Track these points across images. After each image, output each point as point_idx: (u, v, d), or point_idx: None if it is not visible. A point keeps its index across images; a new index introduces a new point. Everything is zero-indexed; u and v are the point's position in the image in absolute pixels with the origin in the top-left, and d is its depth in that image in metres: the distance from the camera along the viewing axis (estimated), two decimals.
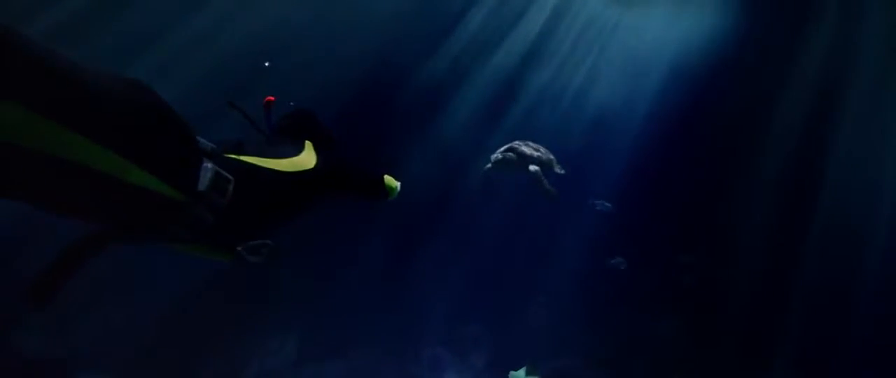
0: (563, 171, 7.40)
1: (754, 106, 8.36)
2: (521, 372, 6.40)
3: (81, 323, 6.93)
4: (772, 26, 8.11)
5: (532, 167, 6.94)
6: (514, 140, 7.31)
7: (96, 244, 1.46)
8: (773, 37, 8.15)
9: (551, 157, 7.36)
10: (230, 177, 1.57)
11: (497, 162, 7.11)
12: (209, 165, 1.52)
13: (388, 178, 2.37)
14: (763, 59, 8.24)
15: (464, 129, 8.55)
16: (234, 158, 1.66)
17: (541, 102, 9.29)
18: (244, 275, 7.39)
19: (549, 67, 9.28)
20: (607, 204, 8.38)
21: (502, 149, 7.16)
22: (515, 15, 8.82)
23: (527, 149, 7.09)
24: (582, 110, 9.34)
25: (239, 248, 1.78)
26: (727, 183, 8.60)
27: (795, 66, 8.04)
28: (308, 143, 2.10)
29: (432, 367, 7.81)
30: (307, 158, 1.97)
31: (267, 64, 3.37)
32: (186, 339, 7.03)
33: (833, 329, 7.57)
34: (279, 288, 7.60)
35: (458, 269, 8.45)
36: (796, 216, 8.07)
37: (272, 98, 2.19)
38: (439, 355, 7.97)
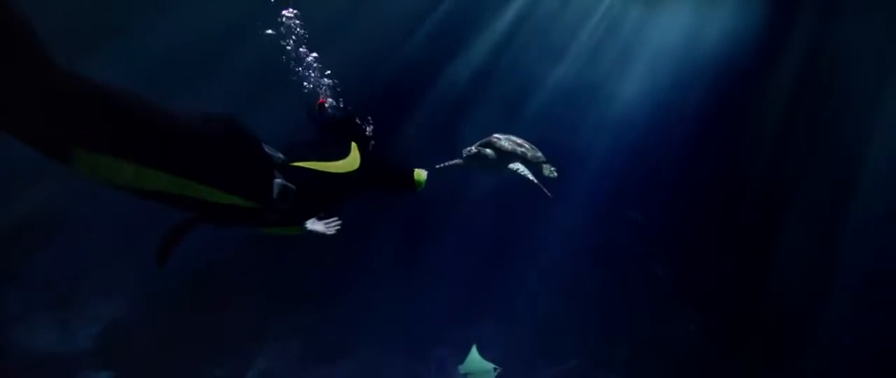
0: (555, 174, 6.32)
1: (775, 103, 8.17)
2: (475, 355, 6.07)
3: (86, 322, 6.90)
4: (795, 23, 7.93)
5: (513, 166, 5.86)
6: (521, 137, 6.33)
7: (192, 225, 1.91)
8: (795, 34, 7.96)
9: (539, 153, 6.32)
10: (293, 187, 1.94)
11: (470, 157, 6.05)
12: (278, 180, 1.90)
13: (417, 172, 2.67)
14: (785, 56, 8.06)
15: (480, 127, 8.39)
16: (297, 167, 2.03)
17: (559, 101, 9.11)
18: (250, 275, 7.33)
19: (570, 66, 9.12)
20: (638, 215, 8.15)
21: (479, 143, 6.11)
22: (541, 14, 8.69)
23: (506, 143, 5.96)
24: (602, 109, 9.16)
25: (307, 225, 2.26)
26: (748, 182, 8.39)
27: (818, 63, 7.85)
28: (354, 145, 2.40)
29: (439, 368, 7.71)
30: (353, 159, 2.30)
31: (314, 55, 3.44)
32: (192, 339, 6.97)
33: (861, 334, 7.34)
34: (285, 288, 7.53)
35: (466, 269, 8.35)
36: (825, 215, 7.85)
37: (324, 100, 2.60)
38: (446, 356, 7.86)
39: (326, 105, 2.64)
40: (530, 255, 8.59)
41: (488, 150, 5.96)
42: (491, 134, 6.27)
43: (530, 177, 5.81)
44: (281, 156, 2.00)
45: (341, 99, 2.78)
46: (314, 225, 2.42)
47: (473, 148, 6.04)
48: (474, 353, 6.09)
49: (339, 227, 2.41)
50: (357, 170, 2.28)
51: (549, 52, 8.98)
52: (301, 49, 3.52)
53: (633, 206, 8.34)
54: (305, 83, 3.31)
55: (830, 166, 7.93)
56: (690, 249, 8.44)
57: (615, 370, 7.70)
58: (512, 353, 7.81)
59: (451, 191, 8.12)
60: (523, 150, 6.10)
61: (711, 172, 8.48)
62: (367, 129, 2.71)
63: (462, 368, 6.54)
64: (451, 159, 6.42)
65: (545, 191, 5.80)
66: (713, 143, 8.48)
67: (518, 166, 5.88)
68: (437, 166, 6.27)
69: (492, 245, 8.52)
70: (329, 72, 3.37)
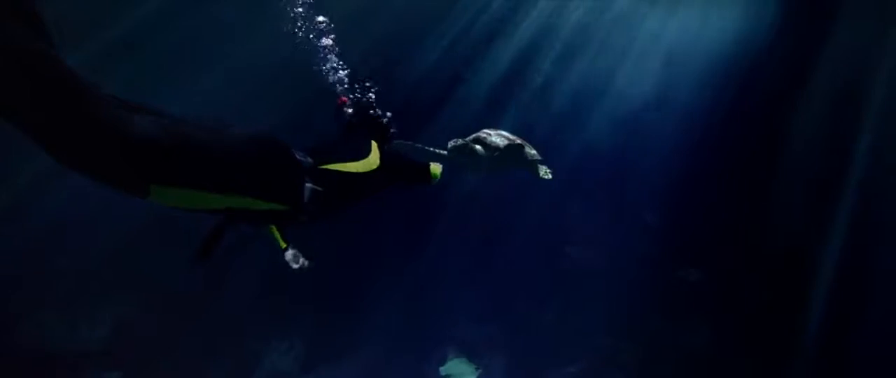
0: (549, 176, 5.80)
1: (785, 105, 8.06)
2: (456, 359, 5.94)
3: (93, 321, 6.93)
4: (804, 24, 7.84)
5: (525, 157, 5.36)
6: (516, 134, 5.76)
7: (230, 226, 2.06)
8: (805, 34, 7.87)
9: (533, 151, 5.77)
10: (321, 189, 2.12)
11: (455, 149, 5.45)
12: (309, 185, 2.09)
13: (433, 165, 2.79)
14: (794, 56, 7.95)
15: (485, 125, 8.38)
16: (325, 169, 2.20)
17: (573, 100, 9.05)
18: (256, 274, 7.33)
19: (579, 64, 9.05)
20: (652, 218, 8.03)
21: (470, 137, 5.56)
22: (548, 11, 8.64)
23: (498, 139, 5.36)
24: (612, 108, 9.10)
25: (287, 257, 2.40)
26: (762, 183, 8.26)
27: (826, 65, 7.74)
28: (373, 143, 2.52)
29: None
30: (374, 158, 2.44)
31: (332, 41, 3.47)
32: (197, 339, 6.99)
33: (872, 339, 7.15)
34: (290, 288, 7.54)
35: (473, 269, 8.31)
36: (836, 217, 7.70)
37: (345, 99, 2.75)
38: (452, 356, 7.84)
39: (347, 103, 2.80)
40: (539, 255, 8.55)
41: (478, 147, 5.36)
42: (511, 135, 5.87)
43: (536, 165, 5.47)
44: (309, 160, 2.17)
45: (372, 92, 2.93)
46: (289, 258, 2.46)
47: (460, 140, 5.42)
48: (455, 358, 6.04)
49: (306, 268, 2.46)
50: (377, 168, 2.42)
51: (562, 52, 8.92)
52: (325, 41, 3.55)
53: (648, 209, 8.23)
54: (337, 79, 3.32)
55: (836, 167, 7.81)
56: (705, 252, 8.32)
57: (623, 372, 7.64)
58: (517, 354, 7.79)
59: (458, 189, 8.09)
60: (516, 146, 5.51)
61: (726, 173, 8.36)
62: (386, 124, 2.83)
63: (443, 371, 6.51)
64: (437, 148, 5.89)
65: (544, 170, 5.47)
66: (725, 143, 8.35)
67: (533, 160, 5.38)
68: (418, 145, 5.78)
69: (499, 244, 8.48)
70: (346, 67, 3.37)
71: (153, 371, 6.70)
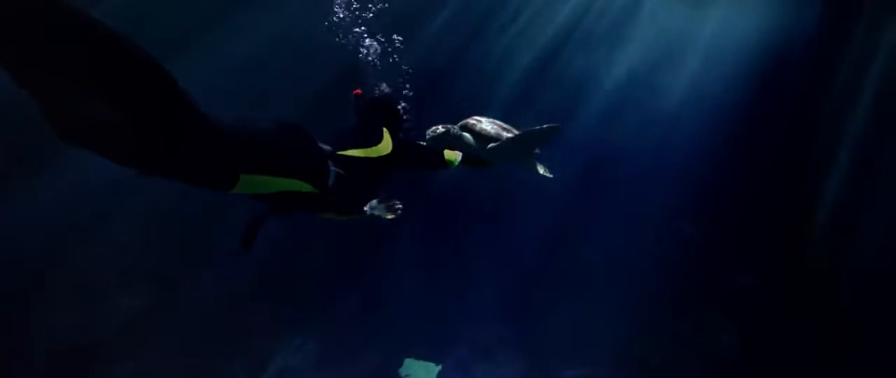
0: (549, 175, 4.49)
1: (816, 104, 7.82)
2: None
3: (106, 316, 6.93)
4: (833, 21, 7.58)
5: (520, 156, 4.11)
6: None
7: (267, 217, 2.30)
8: (835, 32, 7.61)
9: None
10: (344, 173, 2.34)
11: (436, 139, 4.20)
12: (333, 169, 2.31)
13: (448, 154, 3.00)
14: (825, 54, 7.70)
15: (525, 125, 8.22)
16: (343, 155, 2.41)
17: (605, 99, 8.89)
18: (267, 275, 7.28)
19: (604, 61, 8.88)
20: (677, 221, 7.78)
21: (458, 124, 4.11)
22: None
23: (489, 126, 4.12)
24: (639, 106, 8.91)
25: (366, 209, 2.53)
26: (792, 184, 8.02)
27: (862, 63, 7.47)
28: (385, 130, 2.72)
29: (458, 369, 7.58)
30: (386, 143, 2.64)
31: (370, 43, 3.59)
32: (208, 338, 6.96)
33: None
34: (304, 286, 7.48)
35: (486, 269, 8.20)
36: (872, 220, 7.43)
37: (359, 91, 2.93)
38: (465, 356, 7.74)
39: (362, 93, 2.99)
40: (557, 255, 8.40)
41: (466, 135, 4.79)
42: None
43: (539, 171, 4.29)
44: (329, 147, 2.38)
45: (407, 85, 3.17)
46: (374, 209, 2.65)
47: (441, 127, 4.26)
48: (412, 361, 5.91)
49: (399, 212, 2.59)
50: (391, 152, 2.64)
51: (595, 49, 8.76)
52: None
53: (672, 211, 8.02)
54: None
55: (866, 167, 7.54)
56: (732, 254, 8.08)
57: (643, 373, 7.47)
58: (533, 354, 7.66)
59: (474, 186, 7.97)
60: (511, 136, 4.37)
61: (756, 174, 8.11)
62: (402, 113, 3.04)
63: (401, 371, 6.41)
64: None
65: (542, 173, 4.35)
66: (756, 144, 8.11)
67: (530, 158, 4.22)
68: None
69: (517, 244, 8.35)
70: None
71: (166, 365, 6.68)
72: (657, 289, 7.92)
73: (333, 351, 7.53)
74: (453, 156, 2.98)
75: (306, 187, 2.15)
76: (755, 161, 8.24)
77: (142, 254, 7.05)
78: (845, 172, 7.69)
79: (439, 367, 5.78)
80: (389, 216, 2.50)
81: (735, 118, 8.24)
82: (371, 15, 3.99)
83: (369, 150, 2.54)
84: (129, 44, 1.42)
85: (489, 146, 3.92)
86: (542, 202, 8.13)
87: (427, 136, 4.63)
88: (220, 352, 7.02)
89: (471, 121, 4.38)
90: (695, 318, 7.84)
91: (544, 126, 4.10)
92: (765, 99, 8.13)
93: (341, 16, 3.91)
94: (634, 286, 7.90)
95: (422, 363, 6.01)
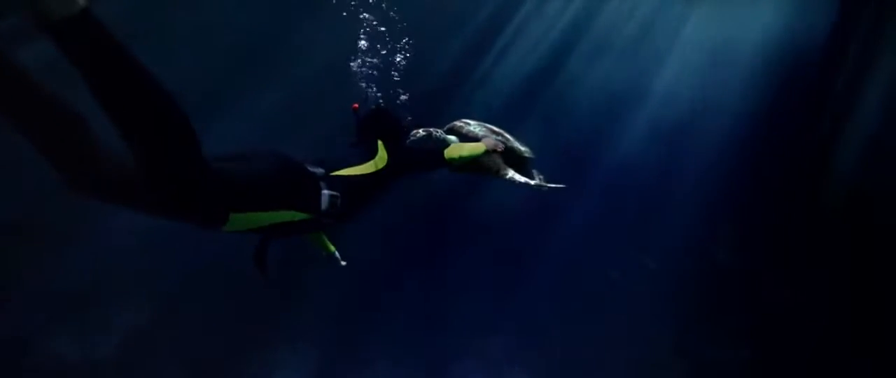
0: (544, 186, 3.98)
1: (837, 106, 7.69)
2: None
3: (107, 329, 6.84)
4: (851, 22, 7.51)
5: (504, 171, 3.66)
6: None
7: (268, 241, 2.36)
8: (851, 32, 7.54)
9: (522, 147, 4.09)
10: (338, 194, 2.33)
11: (417, 141, 3.85)
12: (326, 192, 2.30)
13: (447, 151, 2.95)
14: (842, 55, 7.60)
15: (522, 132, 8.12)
16: (336, 176, 2.40)
17: (602, 105, 8.81)
18: (267, 286, 7.19)
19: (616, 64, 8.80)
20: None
21: (445, 128, 4.00)
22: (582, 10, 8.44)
23: (478, 129, 3.87)
24: (651, 114, 8.83)
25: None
26: (811, 193, 7.84)
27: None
28: (380, 143, 2.71)
29: None
30: (382, 156, 2.63)
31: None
32: (208, 351, 6.87)
33: None
34: (304, 298, 7.39)
35: (497, 281, 8.08)
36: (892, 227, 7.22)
37: (357, 105, 2.96)
38: (469, 369, 7.61)
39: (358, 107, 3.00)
40: (567, 268, 8.26)
41: (451, 137, 3.91)
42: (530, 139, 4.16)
43: (524, 181, 3.69)
44: (321, 170, 2.38)
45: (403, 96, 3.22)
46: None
47: (422, 131, 3.87)
48: None
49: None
50: (387, 164, 2.62)
51: (592, 52, 8.71)
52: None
53: (686, 220, 7.83)
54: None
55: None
56: (750, 266, 7.87)
57: None
58: (539, 370, 7.53)
59: (476, 193, 7.89)
60: (501, 139, 3.96)
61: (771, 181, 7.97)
62: (401, 123, 3.04)
63: None
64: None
65: (549, 185, 3.89)
66: (772, 148, 7.98)
67: (509, 173, 3.67)
68: None
69: (526, 256, 8.23)
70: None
71: None
72: (677, 308, 7.75)
73: (337, 364, 7.42)
74: (454, 153, 2.94)
75: (299, 215, 2.18)
76: (768, 168, 8.09)
77: (139, 267, 6.97)
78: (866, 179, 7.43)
79: None
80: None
81: (752, 124, 8.12)
82: (403, 99, 4.02)
83: (363, 166, 2.54)
84: (168, 94, 1.47)
85: (481, 136, 3.81)
86: (553, 214, 8.03)
87: (409, 140, 4.50)
88: (219, 370, 6.92)
89: (458, 123, 4.14)
90: (714, 340, 7.64)
91: (525, 149, 3.96)
92: (781, 107, 8.02)
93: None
94: (654, 305, 7.73)
95: None
